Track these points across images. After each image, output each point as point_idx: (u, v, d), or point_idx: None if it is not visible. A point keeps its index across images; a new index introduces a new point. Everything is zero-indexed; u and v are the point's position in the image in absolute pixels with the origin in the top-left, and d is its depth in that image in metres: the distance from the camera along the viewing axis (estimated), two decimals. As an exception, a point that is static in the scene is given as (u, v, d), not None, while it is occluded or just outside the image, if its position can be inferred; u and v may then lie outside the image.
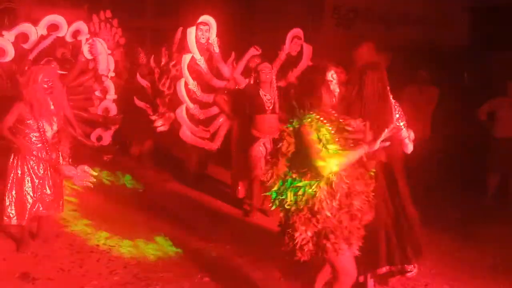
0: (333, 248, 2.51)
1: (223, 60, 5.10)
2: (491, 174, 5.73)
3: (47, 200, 3.82)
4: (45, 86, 3.69)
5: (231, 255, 3.99)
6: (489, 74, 7.33)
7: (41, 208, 3.80)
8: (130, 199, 5.24)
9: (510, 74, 5.88)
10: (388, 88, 3.13)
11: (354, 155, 2.48)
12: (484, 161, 5.79)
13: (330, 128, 2.52)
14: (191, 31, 4.95)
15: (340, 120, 2.58)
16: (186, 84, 5.00)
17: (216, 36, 5.10)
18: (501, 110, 5.59)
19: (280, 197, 2.55)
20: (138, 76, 5.85)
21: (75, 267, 3.65)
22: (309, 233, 2.49)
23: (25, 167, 3.74)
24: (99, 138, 5.21)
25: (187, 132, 5.18)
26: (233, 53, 5.26)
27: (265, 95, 4.65)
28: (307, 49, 5.24)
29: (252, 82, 4.82)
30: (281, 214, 2.61)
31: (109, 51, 5.12)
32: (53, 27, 4.78)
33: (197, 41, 4.99)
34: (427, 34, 7.81)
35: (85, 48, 4.84)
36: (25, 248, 3.82)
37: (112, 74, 5.18)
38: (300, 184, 2.48)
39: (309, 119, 2.47)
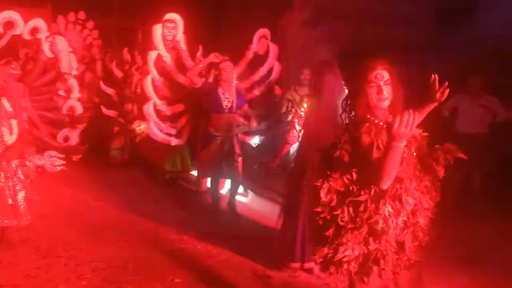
0: (379, 274, 2.17)
1: (190, 57, 5.16)
2: (455, 170, 5.88)
3: (8, 210, 3.67)
4: None
5: (202, 256, 3.98)
6: (454, 73, 7.53)
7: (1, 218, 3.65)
8: (98, 201, 5.14)
9: (473, 71, 6.09)
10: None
11: (391, 159, 2.00)
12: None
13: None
14: (157, 29, 5.00)
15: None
16: (153, 80, 5.01)
17: (183, 34, 5.15)
18: (463, 106, 5.77)
19: (334, 212, 2.16)
20: (101, 84, 5.77)
21: (42, 272, 3.56)
22: (356, 252, 2.15)
23: None
24: (66, 139, 5.11)
25: (154, 129, 5.23)
26: (200, 47, 5.28)
27: (223, 94, 4.63)
28: (274, 49, 5.32)
29: (211, 79, 4.84)
30: (331, 229, 2.20)
31: (70, 49, 5.01)
32: (9, 25, 4.65)
33: (164, 38, 5.04)
34: (394, 31, 7.96)
35: (45, 47, 4.73)
36: None
37: (75, 72, 5.09)
38: (361, 198, 2.10)
39: (367, 125, 2.15)
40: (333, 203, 2.14)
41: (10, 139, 3.63)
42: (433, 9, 8.47)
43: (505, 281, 3.82)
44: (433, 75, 2.34)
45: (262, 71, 5.23)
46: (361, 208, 2.10)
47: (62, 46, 4.83)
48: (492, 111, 5.63)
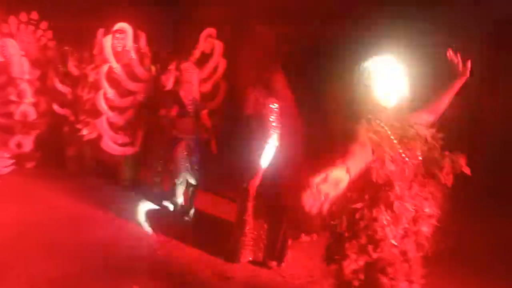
0: (390, 284, 2.03)
1: (140, 65, 5.16)
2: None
3: None
4: None
5: (162, 261, 3.93)
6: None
7: None
8: (53, 210, 4.94)
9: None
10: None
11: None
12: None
13: (390, 133, 2.03)
14: (107, 40, 4.93)
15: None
16: (105, 94, 5.01)
17: (134, 43, 5.18)
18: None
19: (332, 222, 2.08)
20: (56, 82, 5.61)
21: (-7, 285, 3.43)
22: (361, 263, 2.04)
23: None
24: (19, 145, 4.94)
25: (109, 143, 5.19)
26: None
27: (186, 96, 4.59)
28: (219, 47, 5.43)
29: (172, 82, 4.80)
30: (331, 240, 2.17)
31: (22, 53, 4.85)
32: None
33: (113, 49, 5.01)
34: (348, 29, 8.08)
35: None
36: None
37: (27, 76, 4.93)
38: (357, 206, 2.03)
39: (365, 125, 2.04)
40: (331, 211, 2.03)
41: None
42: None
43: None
44: (449, 51, 2.22)
45: (208, 68, 5.31)
46: (358, 216, 2.00)
47: (14, 49, 4.66)
48: None
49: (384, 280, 2.01)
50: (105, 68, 4.94)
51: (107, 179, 5.75)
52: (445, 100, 2.30)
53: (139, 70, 5.13)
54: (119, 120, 5.11)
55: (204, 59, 5.46)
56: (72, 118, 5.66)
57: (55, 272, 3.64)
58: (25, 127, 4.97)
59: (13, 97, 4.92)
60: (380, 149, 1.96)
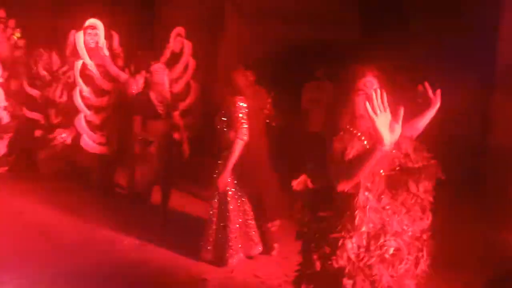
0: None
1: (113, 63, 5.12)
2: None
3: None
4: None
5: (136, 264, 3.86)
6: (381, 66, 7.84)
7: None
8: (25, 214, 4.83)
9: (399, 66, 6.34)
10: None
11: (365, 161, 1.82)
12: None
13: (366, 142, 1.95)
14: (79, 36, 4.85)
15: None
16: (81, 91, 4.92)
17: (105, 39, 5.13)
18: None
19: (303, 229, 2.07)
20: (25, 85, 5.49)
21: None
22: (318, 269, 1.99)
23: None
24: None
25: (88, 141, 5.11)
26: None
27: (156, 98, 4.50)
28: (188, 46, 5.44)
29: (142, 83, 4.75)
30: (301, 246, 2.16)
31: None
32: None
33: (86, 45, 4.95)
34: (324, 30, 8.16)
35: None
36: None
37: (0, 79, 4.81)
38: (323, 214, 1.98)
39: (341, 133, 1.98)
40: (306, 219, 2.05)
41: None
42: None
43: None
44: (423, 84, 2.19)
45: (178, 68, 5.30)
46: (324, 225, 1.98)
47: None
48: None
49: None
50: (79, 64, 4.87)
51: (80, 182, 5.65)
52: (418, 126, 2.21)
53: (113, 69, 5.06)
54: (95, 119, 5.05)
55: (175, 58, 5.44)
56: (43, 121, 5.55)
57: (25, 279, 3.54)
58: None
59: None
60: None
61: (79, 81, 4.89)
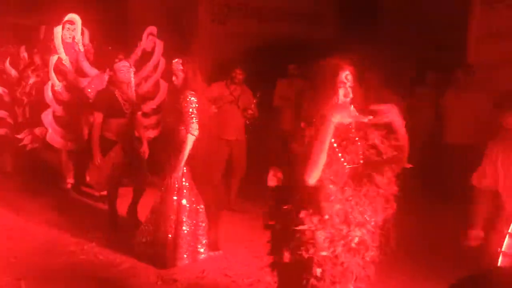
0: (317, 285, 2.00)
1: (86, 59, 5.08)
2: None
3: None
4: None
5: (104, 266, 3.81)
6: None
7: None
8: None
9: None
10: None
11: (319, 141, 1.90)
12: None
13: (333, 140, 2.01)
14: (58, 31, 4.78)
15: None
16: (52, 86, 4.85)
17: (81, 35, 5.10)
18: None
19: (270, 222, 2.13)
20: None
21: None
22: (286, 259, 2.03)
23: None
24: None
25: (55, 137, 5.01)
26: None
27: (121, 96, 4.40)
28: (159, 45, 5.44)
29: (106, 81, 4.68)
30: (269, 238, 2.21)
31: None
32: None
33: (63, 40, 4.92)
34: (298, 28, 8.19)
35: None
36: None
37: None
38: (287, 207, 2.03)
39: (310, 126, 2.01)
40: (274, 212, 2.11)
41: None
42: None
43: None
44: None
45: (149, 67, 5.29)
46: (291, 217, 1.99)
47: None
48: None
49: (312, 280, 1.99)
50: (54, 59, 4.80)
51: (48, 182, 5.53)
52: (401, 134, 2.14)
53: (85, 65, 5.01)
54: (64, 114, 4.99)
55: (146, 57, 5.37)
56: (9, 120, 5.40)
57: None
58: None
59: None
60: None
61: (53, 75, 4.81)
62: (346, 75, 2.03)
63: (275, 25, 8.07)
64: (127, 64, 4.43)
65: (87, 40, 5.50)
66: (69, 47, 5.04)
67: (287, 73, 6.22)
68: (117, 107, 4.33)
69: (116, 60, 4.69)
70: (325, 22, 8.79)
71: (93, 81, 4.93)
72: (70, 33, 5.00)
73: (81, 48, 5.06)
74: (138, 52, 5.31)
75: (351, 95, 2.02)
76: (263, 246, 4.19)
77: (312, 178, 1.90)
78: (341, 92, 2.01)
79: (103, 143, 4.34)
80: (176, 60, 3.68)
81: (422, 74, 6.26)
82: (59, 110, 4.97)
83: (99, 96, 4.47)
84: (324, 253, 1.96)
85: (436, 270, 3.62)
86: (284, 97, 6.06)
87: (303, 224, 1.96)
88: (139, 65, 5.25)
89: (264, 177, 2.26)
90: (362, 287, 2.09)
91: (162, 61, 5.37)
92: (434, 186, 5.52)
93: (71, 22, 5.02)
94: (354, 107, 2.04)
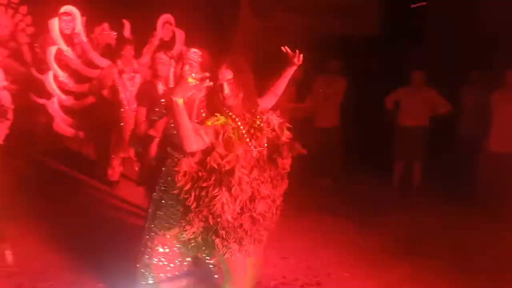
0: (222, 245, 2.39)
1: (93, 49, 5.04)
2: (396, 162, 5.95)
3: None
4: None
5: (124, 259, 3.75)
6: (398, 64, 7.63)
7: None
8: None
9: (417, 64, 6.13)
10: None
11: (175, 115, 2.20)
12: (391, 149, 5.98)
13: (242, 127, 2.38)
14: (54, 23, 4.84)
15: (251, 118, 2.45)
16: (55, 76, 4.91)
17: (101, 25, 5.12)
18: (404, 99, 5.80)
19: (184, 196, 2.40)
20: (33, 70, 5.45)
21: None
22: (201, 229, 2.40)
23: None
24: None
25: (61, 125, 5.10)
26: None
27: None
28: (180, 34, 5.36)
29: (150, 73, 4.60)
30: (181, 209, 2.50)
31: None
32: None
33: (62, 32, 4.93)
34: (340, 23, 7.97)
35: None
36: None
37: None
38: (205, 184, 2.34)
39: (222, 120, 2.35)
40: (187, 187, 2.36)
41: None
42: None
43: (440, 273, 3.84)
44: (283, 48, 2.75)
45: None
46: (203, 193, 2.33)
47: None
48: (433, 105, 5.68)
49: (217, 241, 2.38)
50: (53, 50, 4.85)
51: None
52: (282, 84, 2.79)
53: (93, 55, 4.99)
54: (75, 105, 5.02)
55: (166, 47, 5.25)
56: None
57: (15, 267, 3.50)
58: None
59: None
60: (230, 143, 2.32)
61: (54, 65, 4.88)
62: (219, 74, 2.34)
63: (317, 20, 7.87)
64: (165, 56, 4.09)
65: (127, 32, 5.50)
66: (70, 38, 5.07)
67: (327, 69, 6.02)
68: (159, 102, 4.01)
69: (124, 50, 4.72)
70: (368, 18, 8.52)
71: (104, 72, 4.91)
72: (67, 24, 5.01)
73: (84, 39, 5.03)
74: (154, 41, 5.26)
75: (226, 93, 2.33)
76: (290, 247, 4.14)
77: (190, 147, 2.24)
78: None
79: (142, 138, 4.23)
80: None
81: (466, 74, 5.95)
82: (66, 99, 5.03)
83: (141, 91, 4.19)
84: (229, 218, 2.34)
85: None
86: (322, 92, 5.86)
87: (216, 199, 2.31)
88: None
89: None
90: (257, 249, 2.52)
91: (185, 51, 5.29)
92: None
93: (67, 14, 5.03)
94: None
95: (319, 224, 4.74)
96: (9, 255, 3.31)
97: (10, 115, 4.97)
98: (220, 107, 2.38)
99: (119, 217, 4.59)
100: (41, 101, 5.46)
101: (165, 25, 5.35)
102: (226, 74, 2.35)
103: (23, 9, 6.77)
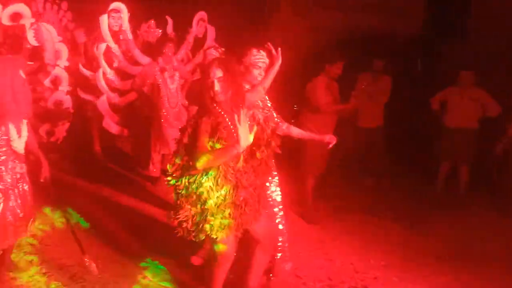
0: (210, 229, 2.66)
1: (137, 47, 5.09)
2: (442, 163, 5.77)
3: (17, 223, 3.08)
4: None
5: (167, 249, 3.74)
6: (443, 63, 7.41)
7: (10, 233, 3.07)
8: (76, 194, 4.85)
9: (462, 63, 5.94)
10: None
11: (222, 154, 2.53)
12: (435, 150, 5.82)
13: (228, 120, 2.63)
14: (103, 19, 4.87)
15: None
16: (104, 74, 4.95)
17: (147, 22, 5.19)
18: (451, 99, 5.62)
19: (175, 182, 2.69)
20: (80, 66, 5.55)
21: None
22: (192, 212, 2.67)
23: None
24: (50, 133, 4.83)
25: (111, 123, 5.16)
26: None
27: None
28: (211, 31, 5.39)
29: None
30: (174, 197, 2.78)
31: (60, 38, 4.72)
32: None
33: (110, 29, 4.97)
34: (383, 21, 7.80)
35: (29, 34, 4.41)
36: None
37: (65, 63, 4.83)
38: (194, 172, 2.61)
39: (207, 116, 2.60)
40: (177, 174, 2.66)
41: (19, 143, 3.04)
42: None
43: (488, 278, 3.72)
44: (267, 44, 3.05)
45: (201, 54, 5.10)
46: (191, 180, 2.62)
47: (47, 35, 4.52)
48: (483, 106, 5.48)
49: (206, 225, 2.65)
50: (102, 47, 4.88)
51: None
52: (269, 78, 3.05)
53: (137, 53, 5.03)
54: (120, 102, 5.07)
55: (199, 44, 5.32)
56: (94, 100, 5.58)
57: (68, 260, 3.55)
58: (58, 115, 4.88)
59: (47, 83, 4.79)
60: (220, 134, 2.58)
61: (103, 63, 4.90)
62: (210, 72, 2.61)
63: (360, 18, 7.72)
64: (216, 52, 4.16)
65: (170, 29, 5.55)
66: (117, 35, 5.10)
67: (374, 67, 5.89)
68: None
69: (166, 48, 4.72)
70: (412, 16, 8.31)
71: (145, 69, 4.94)
72: (116, 21, 5.03)
73: (130, 36, 5.07)
74: (190, 39, 5.30)
75: (217, 90, 2.60)
76: (335, 249, 4.09)
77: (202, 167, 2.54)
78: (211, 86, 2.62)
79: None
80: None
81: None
82: (113, 97, 5.06)
83: (192, 89, 4.35)
84: (213, 204, 2.64)
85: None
86: (366, 91, 5.73)
87: (203, 187, 2.62)
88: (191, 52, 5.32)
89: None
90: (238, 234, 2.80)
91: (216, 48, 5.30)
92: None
93: (116, 11, 5.03)
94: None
95: (364, 226, 4.67)
96: (93, 267, 3.33)
97: (70, 118, 5.11)
98: (210, 102, 2.60)
99: (160, 212, 4.62)
100: (89, 97, 5.58)
101: (199, 22, 5.38)
102: (217, 72, 2.58)
103: (65, 5, 6.93)
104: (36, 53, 4.59)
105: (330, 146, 3.30)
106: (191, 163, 2.57)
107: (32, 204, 3.16)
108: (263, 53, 3.10)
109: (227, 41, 5.23)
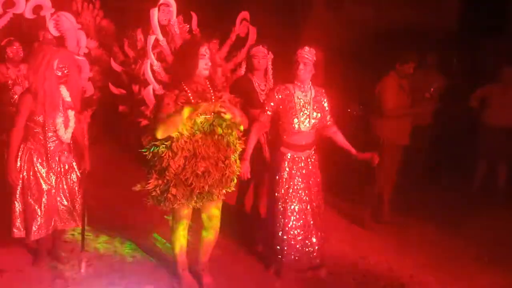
0: (173, 199, 2.89)
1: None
2: (480, 162, 5.62)
3: (64, 212, 3.24)
4: (60, 73, 3.06)
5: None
6: (479, 59, 7.21)
7: (54, 222, 3.23)
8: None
9: (500, 60, 5.75)
10: None
11: (171, 121, 2.79)
12: (474, 149, 5.67)
13: (191, 97, 2.87)
14: (154, 12, 4.91)
15: (211, 91, 2.96)
16: (151, 65, 4.99)
17: (177, 17, 5.19)
18: (492, 97, 5.44)
19: (153, 158, 2.91)
20: (112, 61, 5.65)
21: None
22: (160, 182, 2.89)
23: (31, 172, 3.11)
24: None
25: None
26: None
27: (259, 85, 3.98)
28: (252, 31, 5.42)
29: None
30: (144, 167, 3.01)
31: (79, 26, 4.80)
32: (9, 3, 4.41)
33: (159, 22, 5.01)
34: (417, 17, 7.64)
35: (50, 25, 4.49)
36: (39, 262, 3.42)
37: (85, 50, 4.93)
38: (157, 142, 2.86)
39: (175, 89, 2.87)
40: (146, 144, 2.94)
41: (65, 133, 3.17)
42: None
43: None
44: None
45: (244, 52, 5.25)
46: (155, 150, 2.88)
47: (68, 24, 4.59)
48: None
49: (169, 195, 2.89)
50: (152, 39, 4.91)
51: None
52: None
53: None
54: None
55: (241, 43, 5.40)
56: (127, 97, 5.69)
57: (105, 250, 3.67)
58: (81, 103, 4.98)
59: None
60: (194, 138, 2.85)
61: (151, 55, 4.94)
62: (206, 49, 2.91)
63: (392, 12, 7.59)
64: (263, 49, 3.98)
65: (195, 25, 5.61)
66: (165, 28, 5.17)
67: (428, 63, 5.78)
68: (254, 97, 3.93)
69: (210, 44, 4.71)
70: (446, 10, 8.09)
71: None
72: (165, 15, 5.12)
73: (177, 31, 5.15)
74: (232, 37, 5.40)
75: (209, 65, 2.92)
76: (369, 247, 4.06)
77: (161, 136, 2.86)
78: (201, 63, 2.89)
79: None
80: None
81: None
82: (158, 89, 5.03)
83: (236, 85, 4.11)
84: (177, 176, 2.89)
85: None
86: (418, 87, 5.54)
87: (162, 154, 2.88)
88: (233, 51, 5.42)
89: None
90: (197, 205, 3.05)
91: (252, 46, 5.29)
92: None
93: (166, 4, 5.10)
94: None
95: (399, 225, 4.59)
96: (83, 266, 3.38)
97: (93, 104, 5.20)
98: (186, 76, 2.90)
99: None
100: (119, 91, 5.67)
101: (242, 21, 5.43)
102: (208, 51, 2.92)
103: (97, 3, 7.06)
104: (58, 43, 4.68)
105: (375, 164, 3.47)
106: (153, 133, 2.84)
107: (80, 195, 3.28)
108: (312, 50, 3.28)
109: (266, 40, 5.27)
